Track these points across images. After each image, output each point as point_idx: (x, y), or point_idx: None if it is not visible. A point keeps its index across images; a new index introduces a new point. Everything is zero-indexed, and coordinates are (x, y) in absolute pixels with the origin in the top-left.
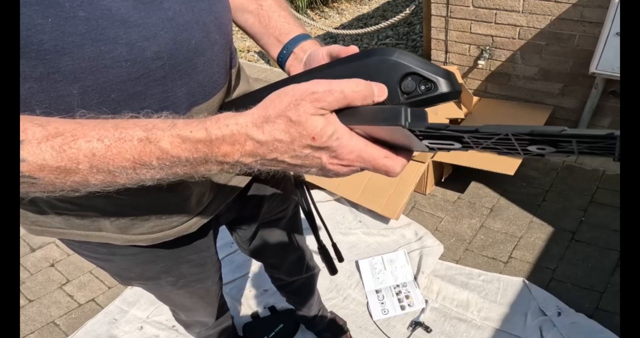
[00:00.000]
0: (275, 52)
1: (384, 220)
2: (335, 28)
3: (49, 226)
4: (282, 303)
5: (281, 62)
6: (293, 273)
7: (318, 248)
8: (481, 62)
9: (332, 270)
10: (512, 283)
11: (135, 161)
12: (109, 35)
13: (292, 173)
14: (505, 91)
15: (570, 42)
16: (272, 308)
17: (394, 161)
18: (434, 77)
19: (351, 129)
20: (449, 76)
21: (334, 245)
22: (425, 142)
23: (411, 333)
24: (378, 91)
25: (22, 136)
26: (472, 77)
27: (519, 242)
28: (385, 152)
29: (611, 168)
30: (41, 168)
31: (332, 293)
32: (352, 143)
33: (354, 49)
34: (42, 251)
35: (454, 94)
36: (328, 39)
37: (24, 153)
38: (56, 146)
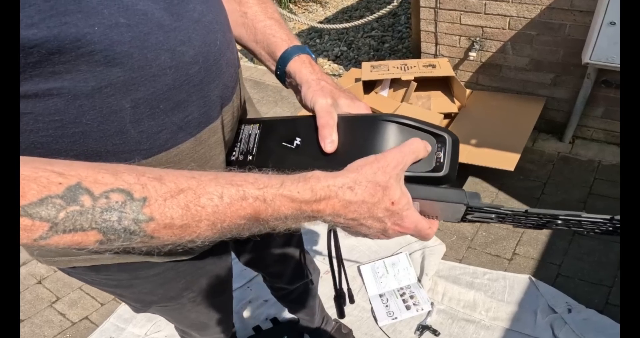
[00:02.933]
0: (272, 69)
1: None
2: (320, 22)
3: (74, 254)
4: (284, 314)
5: (280, 80)
6: (295, 279)
7: (335, 295)
8: (472, 54)
9: (342, 315)
10: (519, 281)
11: (249, 219)
12: (152, 42)
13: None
14: (497, 82)
15: (561, 31)
16: (274, 320)
17: (433, 230)
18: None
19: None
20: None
21: (349, 290)
22: (468, 216)
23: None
24: (427, 146)
25: (143, 192)
26: (463, 70)
27: (522, 238)
28: (429, 222)
29: (606, 159)
30: (166, 227)
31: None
32: (414, 215)
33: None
34: (26, 268)
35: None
36: (313, 33)
37: (151, 210)
38: (181, 204)
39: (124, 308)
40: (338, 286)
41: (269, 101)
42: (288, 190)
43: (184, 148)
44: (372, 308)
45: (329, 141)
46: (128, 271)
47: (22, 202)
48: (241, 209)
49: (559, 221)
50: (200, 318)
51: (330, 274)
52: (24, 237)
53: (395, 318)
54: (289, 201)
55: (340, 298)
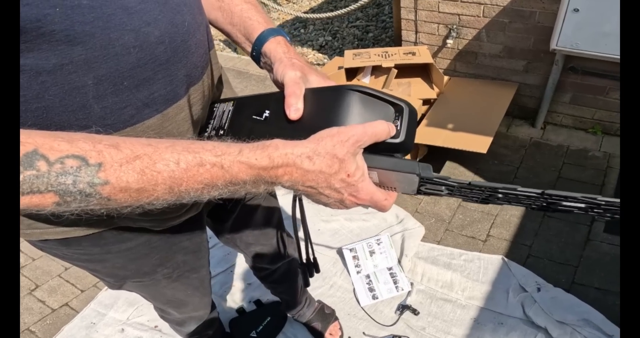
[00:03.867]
0: (248, 51)
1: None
2: (305, 12)
3: (45, 227)
4: (267, 296)
5: (255, 61)
6: (276, 259)
7: (300, 262)
8: (449, 42)
9: (307, 284)
10: (492, 261)
11: (207, 184)
12: (115, 23)
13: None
14: (473, 69)
15: (532, 19)
16: (257, 302)
17: (389, 202)
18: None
19: (369, 169)
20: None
21: (314, 259)
22: (422, 188)
23: (399, 317)
24: (390, 129)
25: (98, 158)
26: (441, 57)
27: (495, 220)
28: (385, 194)
29: (574, 144)
30: (122, 190)
31: (318, 282)
32: (369, 186)
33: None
34: None
35: (401, 145)
36: (297, 23)
37: (106, 175)
38: (137, 169)
39: (104, 294)
40: (305, 255)
41: (252, 90)
42: (246, 157)
43: (151, 124)
44: (354, 289)
45: (294, 108)
46: (100, 245)
47: None
48: (198, 175)
49: (500, 195)
50: (176, 295)
51: (316, 255)
52: None
53: (377, 298)
54: (246, 167)
55: (306, 266)
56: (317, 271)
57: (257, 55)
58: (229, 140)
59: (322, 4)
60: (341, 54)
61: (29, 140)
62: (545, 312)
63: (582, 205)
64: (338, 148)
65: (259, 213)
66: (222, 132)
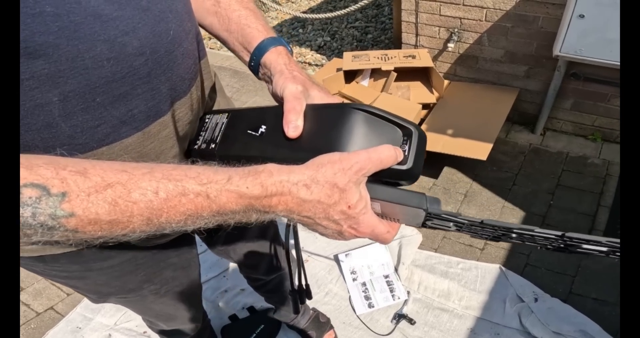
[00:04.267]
0: (245, 61)
1: None
2: (303, 12)
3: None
4: (260, 302)
5: (253, 72)
6: (271, 271)
7: (291, 290)
8: (450, 45)
9: (297, 310)
10: (490, 270)
11: (190, 215)
12: (85, 32)
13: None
14: (474, 73)
15: (535, 24)
16: (250, 309)
17: (391, 234)
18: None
19: (372, 200)
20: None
21: (307, 286)
22: (428, 223)
23: (395, 326)
24: (398, 154)
25: (61, 187)
26: (442, 61)
27: None
28: (387, 227)
29: (574, 150)
30: (91, 222)
31: (313, 289)
32: (371, 219)
33: (336, 98)
34: None
35: (407, 173)
36: (296, 23)
37: (72, 206)
38: (108, 199)
39: None
40: (297, 281)
41: (249, 91)
42: (235, 185)
43: (130, 143)
44: (350, 297)
45: (293, 126)
46: (79, 263)
47: None
48: (180, 205)
49: (513, 235)
50: (165, 310)
51: (308, 262)
52: None
53: (373, 307)
54: (236, 196)
55: (297, 294)
56: (309, 298)
57: (255, 65)
58: (216, 164)
59: (321, 4)
60: (340, 55)
61: None
62: (542, 323)
63: (604, 249)
64: (339, 176)
65: (253, 225)
66: (213, 145)
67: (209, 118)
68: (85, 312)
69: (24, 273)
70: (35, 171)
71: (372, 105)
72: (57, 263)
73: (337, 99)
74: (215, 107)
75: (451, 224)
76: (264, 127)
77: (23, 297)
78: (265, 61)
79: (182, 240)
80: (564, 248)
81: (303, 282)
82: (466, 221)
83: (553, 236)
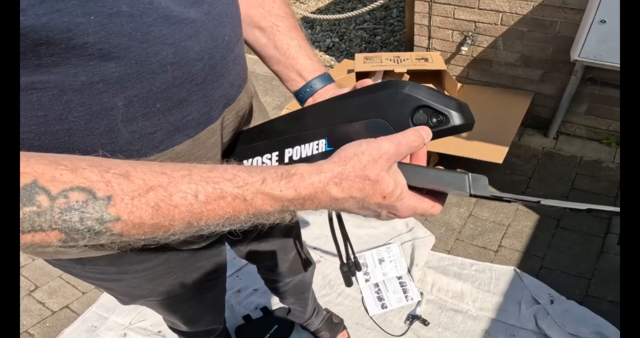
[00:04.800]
0: (294, 86)
1: None
2: (312, 12)
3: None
4: (274, 303)
5: (301, 98)
6: (291, 273)
7: (341, 265)
8: (464, 49)
9: (349, 283)
10: (504, 272)
11: (228, 218)
12: (155, 35)
13: None
14: (487, 77)
15: (552, 28)
16: (264, 309)
17: (437, 207)
18: (446, 110)
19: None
20: (461, 108)
21: (355, 258)
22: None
23: (409, 327)
24: (426, 135)
25: (107, 191)
26: (454, 64)
27: (507, 230)
28: (431, 202)
29: (588, 154)
30: (136, 226)
31: (325, 290)
32: (410, 202)
33: (367, 82)
34: None
35: (467, 127)
36: (304, 23)
37: (117, 210)
38: (151, 203)
39: (107, 297)
40: (345, 258)
41: (259, 91)
42: (270, 188)
43: (180, 150)
44: (362, 298)
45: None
46: (117, 265)
47: None
48: (219, 208)
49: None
50: (190, 312)
51: (321, 263)
52: None
53: (386, 307)
54: (271, 199)
55: (349, 267)
56: (359, 269)
57: (310, 91)
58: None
59: (329, 5)
60: (348, 56)
61: (27, 169)
62: (558, 325)
63: None
64: (369, 167)
65: (277, 228)
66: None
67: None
68: (101, 311)
69: (39, 271)
70: (81, 174)
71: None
72: (96, 266)
73: None
74: (253, 116)
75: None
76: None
77: (38, 295)
78: (327, 89)
79: (213, 245)
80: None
81: (352, 257)
82: (520, 200)
83: (612, 211)
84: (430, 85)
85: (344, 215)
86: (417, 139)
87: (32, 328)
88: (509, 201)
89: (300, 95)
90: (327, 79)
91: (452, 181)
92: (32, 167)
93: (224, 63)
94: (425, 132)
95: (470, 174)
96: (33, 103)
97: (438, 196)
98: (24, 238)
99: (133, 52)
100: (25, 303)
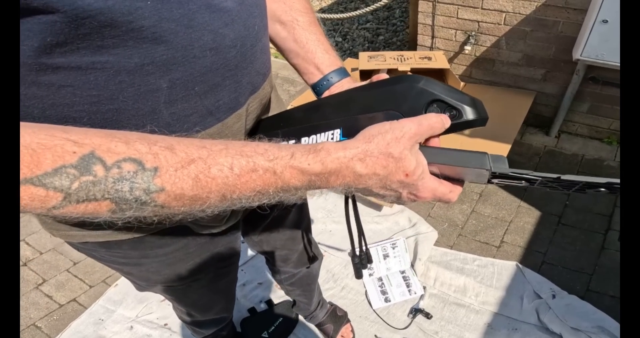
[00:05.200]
0: (311, 79)
1: (377, 207)
2: (316, 12)
3: (88, 229)
4: (278, 296)
5: (318, 91)
6: (300, 263)
7: (353, 257)
8: (467, 48)
9: (360, 275)
10: (506, 267)
11: (259, 191)
12: (198, 21)
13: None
14: (490, 76)
15: (554, 28)
16: (269, 302)
17: (455, 193)
18: (459, 104)
19: (429, 164)
20: (474, 103)
21: (367, 250)
22: (495, 180)
23: (412, 321)
24: (445, 120)
25: (154, 162)
26: (457, 63)
27: (509, 227)
28: (450, 187)
29: (589, 153)
30: (177, 198)
31: (329, 283)
32: (430, 183)
33: (383, 76)
34: None
35: (480, 122)
36: None
37: (162, 181)
38: (192, 175)
39: (113, 290)
40: (357, 249)
41: None
42: (298, 162)
43: (211, 133)
44: (366, 291)
45: (382, 75)
46: (139, 249)
47: (37, 171)
48: (251, 181)
49: (599, 189)
50: (203, 299)
51: (325, 257)
52: (38, 206)
53: (389, 301)
54: (299, 173)
55: (360, 259)
56: (370, 261)
57: (327, 84)
58: (279, 140)
59: (331, 5)
60: (351, 55)
61: (86, 140)
62: (560, 319)
63: None
64: (393, 145)
65: (289, 218)
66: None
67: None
68: (108, 304)
69: (47, 265)
70: (132, 146)
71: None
72: (119, 249)
73: None
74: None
75: (523, 181)
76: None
77: (45, 288)
78: (343, 83)
79: (230, 231)
80: None
81: (364, 248)
82: (539, 178)
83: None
84: None
85: None
86: (438, 121)
87: (39, 321)
88: (528, 181)
89: (318, 88)
90: (343, 72)
91: (473, 159)
92: (91, 139)
93: (252, 51)
94: (445, 118)
95: (489, 153)
96: (90, 82)
97: (455, 182)
98: (77, 208)
99: (179, 37)
100: (32, 296)
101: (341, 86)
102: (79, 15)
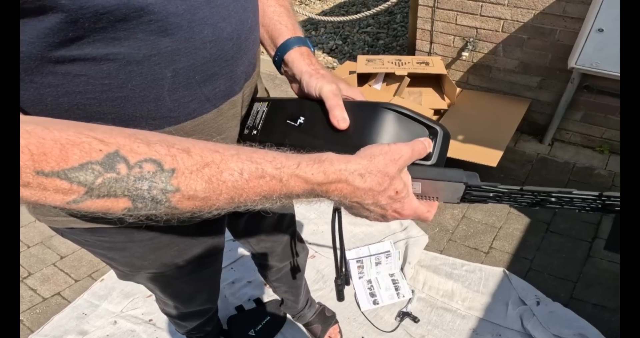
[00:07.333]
0: (270, 55)
1: None
2: (317, 14)
3: (75, 215)
4: (267, 295)
5: (277, 66)
6: (284, 257)
7: (336, 279)
8: (465, 54)
9: (342, 298)
10: (493, 273)
11: (264, 196)
12: (199, 16)
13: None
14: (486, 83)
15: (551, 36)
16: (257, 300)
17: (431, 213)
18: (434, 127)
19: (413, 180)
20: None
21: (346, 271)
22: (467, 196)
23: (399, 324)
24: (428, 144)
25: (172, 164)
26: (454, 69)
27: (499, 233)
28: (428, 206)
29: (581, 161)
30: (190, 199)
31: (319, 284)
32: (413, 201)
33: (357, 97)
34: None
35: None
36: (309, 25)
37: (178, 182)
38: (205, 177)
39: (99, 285)
40: (340, 268)
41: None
42: (303, 171)
43: (207, 118)
44: (355, 293)
45: (342, 118)
46: (125, 233)
47: (64, 166)
48: (258, 187)
49: (552, 199)
50: (186, 290)
51: (315, 258)
52: (59, 199)
53: (378, 303)
54: (302, 182)
55: (340, 280)
56: (347, 284)
57: (279, 61)
58: (287, 150)
59: (333, 8)
60: (351, 58)
61: (111, 140)
62: (543, 326)
63: None
64: (390, 166)
65: (274, 210)
66: (255, 132)
67: (252, 106)
68: (92, 299)
69: (34, 258)
70: (153, 147)
71: (400, 105)
72: (105, 234)
73: (360, 92)
74: (258, 94)
75: (491, 194)
76: (302, 118)
77: (30, 281)
78: (287, 59)
79: (216, 220)
80: (602, 207)
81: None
82: (506, 190)
83: (591, 197)
84: (430, 89)
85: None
86: (424, 148)
87: (21, 315)
88: (495, 198)
89: (275, 63)
90: (288, 46)
91: (451, 174)
92: (115, 138)
93: (247, 43)
94: (428, 143)
95: (464, 171)
96: (103, 72)
97: (432, 204)
98: (95, 203)
99: (183, 30)
100: None
101: (287, 61)
102: (98, 11)
